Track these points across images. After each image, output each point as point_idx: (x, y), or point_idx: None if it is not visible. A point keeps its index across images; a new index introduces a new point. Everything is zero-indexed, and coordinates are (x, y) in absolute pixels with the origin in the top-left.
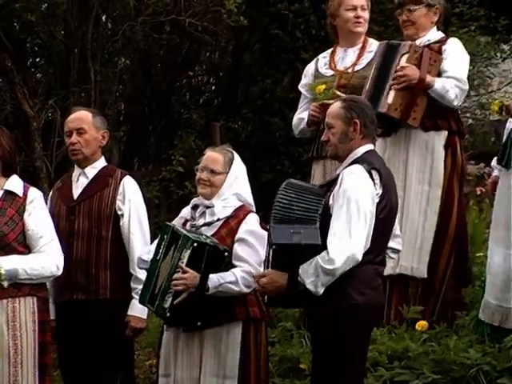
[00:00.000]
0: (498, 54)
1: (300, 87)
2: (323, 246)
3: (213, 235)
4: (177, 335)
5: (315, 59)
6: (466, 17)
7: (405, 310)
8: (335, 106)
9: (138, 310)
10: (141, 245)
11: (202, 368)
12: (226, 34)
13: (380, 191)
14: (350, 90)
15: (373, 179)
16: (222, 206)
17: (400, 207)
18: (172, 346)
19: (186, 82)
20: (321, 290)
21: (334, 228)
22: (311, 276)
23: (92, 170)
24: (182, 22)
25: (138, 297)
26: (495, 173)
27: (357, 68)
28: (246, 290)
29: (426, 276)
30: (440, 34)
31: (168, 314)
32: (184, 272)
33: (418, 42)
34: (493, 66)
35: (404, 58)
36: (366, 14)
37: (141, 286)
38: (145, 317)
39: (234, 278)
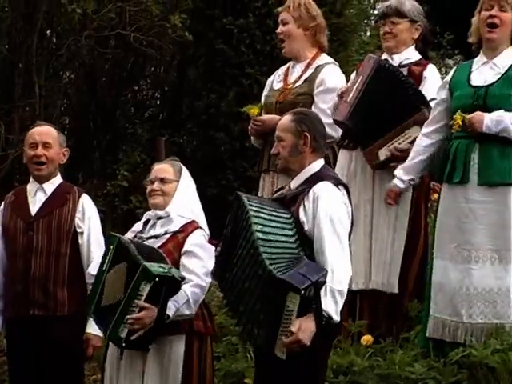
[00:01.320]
0: (443, 69)
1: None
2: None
3: (159, 247)
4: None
5: (276, 71)
6: None
7: (350, 324)
8: (285, 119)
9: (96, 327)
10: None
11: (145, 382)
12: (171, 48)
13: (350, 208)
14: (286, 107)
15: (343, 195)
16: (177, 214)
17: (369, 222)
18: (115, 360)
19: (131, 96)
20: (338, 318)
21: (328, 248)
22: (332, 304)
23: (50, 186)
24: (126, 36)
25: None
26: (398, 183)
27: (296, 84)
28: (196, 308)
29: (396, 291)
30: (418, 55)
31: (124, 345)
32: (142, 308)
33: (396, 58)
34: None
35: (414, 134)
36: (286, 28)
37: None
38: (101, 334)
39: (186, 298)
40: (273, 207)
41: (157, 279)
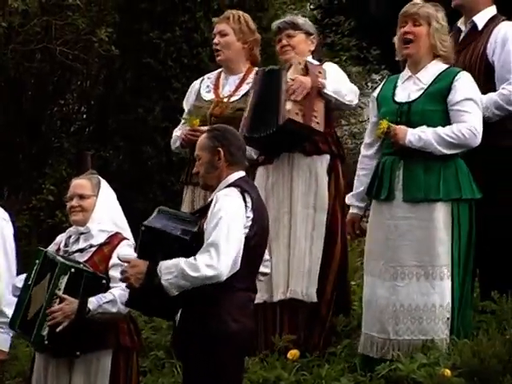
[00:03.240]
0: (369, 84)
1: (184, 103)
2: (192, 253)
3: (86, 261)
4: (47, 363)
5: (201, 78)
6: (338, 47)
7: (276, 338)
8: (202, 137)
9: (0, 342)
10: (7, 277)
11: None
12: (98, 62)
13: (251, 215)
14: (223, 121)
15: (245, 202)
16: (98, 229)
17: (287, 232)
18: (42, 374)
19: (57, 110)
20: (175, 292)
21: (205, 244)
22: (169, 274)
23: None
24: (53, 50)
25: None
26: (353, 210)
27: (232, 99)
28: (125, 309)
29: (316, 300)
30: (316, 62)
31: (46, 342)
32: (61, 300)
33: None
34: (364, 96)
35: (290, 71)
36: (225, 39)
37: (4, 319)
38: (6, 349)
39: (112, 297)
40: (183, 217)
41: (72, 270)
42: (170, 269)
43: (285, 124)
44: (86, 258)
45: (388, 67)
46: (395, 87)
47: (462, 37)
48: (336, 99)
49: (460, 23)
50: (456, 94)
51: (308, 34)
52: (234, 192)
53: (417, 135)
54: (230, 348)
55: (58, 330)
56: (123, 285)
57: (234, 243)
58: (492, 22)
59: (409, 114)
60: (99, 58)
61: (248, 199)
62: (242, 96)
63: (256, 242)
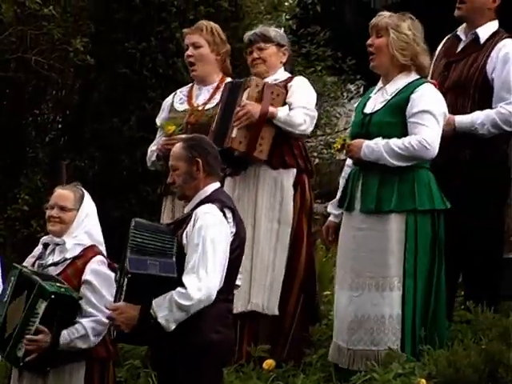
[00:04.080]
0: (345, 94)
1: (157, 119)
2: (178, 282)
3: (59, 275)
4: (21, 375)
5: (174, 93)
6: (313, 57)
7: (252, 348)
8: (177, 148)
9: None
10: None
11: None
12: (73, 72)
13: (234, 229)
14: (198, 128)
15: (226, 218)
16: (73, 243)
17: (250, 245)
18: None
19: (33, 120)
20: (172, 326)
21: (190, 265)
22: (164, 310)
23: None
24: (28, 59)
25: None
26: (330, 217)
27: (207, 107)
28: (96, 340)
29: (277, 313)
30: (287, 75)
31: (21, 364)
32: (38, 331)
33: (267, 80)
34: (339, 106)
35: (245, 94)
36: (199, 51)
37: None
38: None
39: (83, 332)
40: (159, 230)
41: (52, 296)
42: (163, 305)
43: (226, 149)
44: (59, 271)
45: (363, 77)
46: (369, 98)
47: (461, 46)
48: (286, 129)
49: (460, 31)
50: (413, 106)
51: (279, 45)
52: (213, 208)
53: (370, 147)
54: (210, 359)
55: (27, 359)
56: (94, 311)
57: (219, 262)
58: (495, 37)
59: (368, 125)
60: (74, 67)
61: (229, 214)
62: (217, 104)
63: (237, 255)
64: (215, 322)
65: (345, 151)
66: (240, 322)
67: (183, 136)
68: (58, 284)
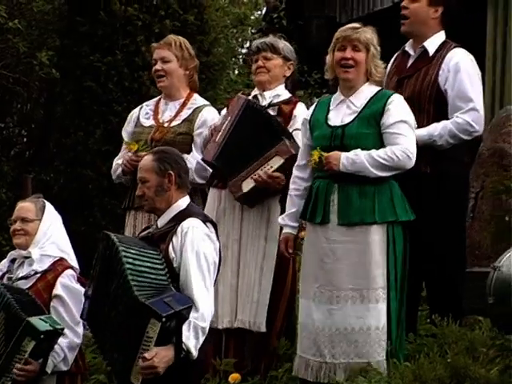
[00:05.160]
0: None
1: (122, 132)
2: None
3: (29, 289)
4: None
5: (140, 106)
6: None
7: (217, 361)
8: (147, 160)
9: None
10: None
11: None
12: (38, 85)
13: (217, 244)
14: (163, 145)
15: (210, 232)
16: (40, 254)
17: (236, 261)
18: None
19: None
20: (195, 352)
21: (193, 284)
22: (192, 340)
23: None
24: None
25: None
26: (286, 229)
27: (173, 124)
28: (72, 359)
29: (264, 330)
30: (288, 93)
31: None
32: (26, 362)
33: (267, 94)
34: None
35: (276, 162)
36: (168, 66)
37: None
38: None
39: (63, 354)
40: (141, 245)
41: (42, 336)
42: (190, 335)
43: (232, 193)
44: (29, 285)
45: (329, 91)
46: (328, 111)
47: (411, 61)
48: None
49: (408, 46)
50: (390, 117)
51: (286, 59)
52: (198, 223)
53: (350, 159)
54: (191, 375)
55: None
56: (68, 331)
57: (213, 276)
58: (443, 48)
59: (343, 138)
60: (40, 81)
61: (212, 229)
62: (184, 121)
63: (218, 268)
64: None
65: (322, 163)
66: (225, 338)
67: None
68: (41, 316)
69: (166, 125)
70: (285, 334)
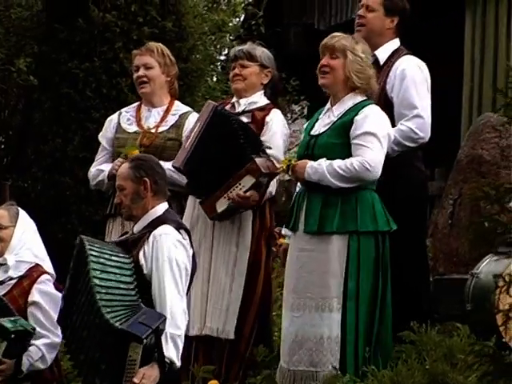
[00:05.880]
0: (289, 115)
1: (100, 138)
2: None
3: (5, 295)
4: None
5: (118, 112)
6: None
7: (196, 369)
8: (124, 168)
9: None
10: None
11: None
12: (16, 92)
13: (191, 252)
14: (152, 151)
15: (183, 239)
16: (16, 260)
17: (207, 268)
18: None
19: None
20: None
21: (166, 292)
22: (174, 350)
23: None
24: None
25: None
26: (286, 239)
27: (160, 129)
28: (51, 359)
29: (232, 337)
30: (265, 100)
31: None
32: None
33: (242, 102)
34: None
35: (249, 181)
36: (151, 72)
37: None
38: None
39: (41, 354)
40: (114, 252)
41: (12, 336)
42: (170, 346)
43: (206, 213)
44: (4, 292)
45: (307, 98)
46: (317, 119)
47: None
48: None
49: None
50: (357, 128)
51: (263, 66)
52: (171, 230)
53: (314, 168)
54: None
55: None
56: (46, 333)
57: (186, 283)
58: (394, 56)
59: (314, 147)
60: (18, 87)
61: (185, 236)
62: (172, 126)
63: (191, 276)
64: None
65: (290, 172)
66: (195, 345)
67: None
68: (10, 318)
69: (153, 130)
70: (262, 342)
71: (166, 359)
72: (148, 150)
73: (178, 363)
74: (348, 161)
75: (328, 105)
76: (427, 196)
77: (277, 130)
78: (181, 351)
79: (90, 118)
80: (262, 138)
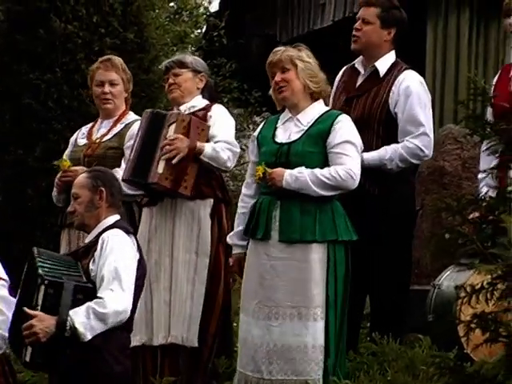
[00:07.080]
0: (251, 126)
1: (64, 156)
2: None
3: None
4: None
5: (79, 130)
6: (220, 89)
7: (157, 379)
8: (81, 177)
9: None
10: None
11: None
12: None
13: (137, 255)
14: (95, 160)
15: (133, 243)
16: None
17: (168, 277)
18: None
19: None
20: (89, 335)
21: (105, 283)
22: (82, 317)
23: None
24: None
25: None
26: (236, 249)
27: (104, 139)
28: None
29: (196, 345)
30: (205, 102)
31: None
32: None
33: (182, 108)
34: (245, 138)
35: (172, 128)
36: (116, 89)
37: None
38: None
39: None
40: (63, 259)
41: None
42: (80, 312)
43: (152, 184)
44: None
45: (269, 109)
46: (275, 128)
47: (360, 80)
48: (210, 165)
49: (358, 64)
50: (336, 137)
51: (196, 71)
52: (120, 232)
53: (294, 176)
54: None
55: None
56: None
57: (132, 282)
58: (393, 69)
59: (288, 155)
60: None
61: (134, 240)
62: (114, 135)
63: (140, 283)
64: (119, 353)
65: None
66: (160, 354)
67: (78, 168)
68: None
69: (97, 141)
70: (223, 352)
71: (68, 318)
72: (90, 160)
73: (85, 334)
74: (332, 169)
75: (287, 114)
76: (415, 210)
77: (220, 119)
78: (94, 327)
79: (51, 129)
80: (211, 132)
